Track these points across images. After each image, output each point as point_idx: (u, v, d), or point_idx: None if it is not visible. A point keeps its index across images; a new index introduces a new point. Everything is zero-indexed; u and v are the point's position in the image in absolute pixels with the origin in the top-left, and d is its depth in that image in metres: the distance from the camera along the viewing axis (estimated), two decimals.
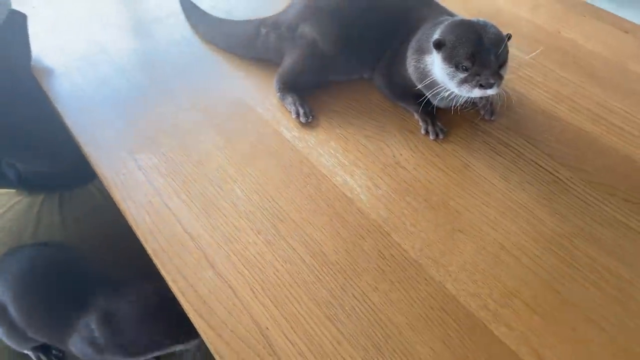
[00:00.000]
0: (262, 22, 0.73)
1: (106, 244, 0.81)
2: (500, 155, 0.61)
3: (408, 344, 0.46)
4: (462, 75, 0.55)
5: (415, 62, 0.61)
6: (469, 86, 0.55)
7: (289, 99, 0.67)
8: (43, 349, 0.73)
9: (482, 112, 0.65)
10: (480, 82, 0.54)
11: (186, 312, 0.50)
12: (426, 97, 0.61)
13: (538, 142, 0.62)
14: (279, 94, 0.69)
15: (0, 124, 0.81)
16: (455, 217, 0.55)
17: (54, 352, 0.73)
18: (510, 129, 0.64)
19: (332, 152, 0.62)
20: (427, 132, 0.63)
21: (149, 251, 0.55)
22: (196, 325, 0.49)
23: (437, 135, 0.63)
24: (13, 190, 0.95)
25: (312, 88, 0.69)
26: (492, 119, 0.64)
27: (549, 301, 0.49)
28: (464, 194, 0.57)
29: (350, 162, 0.61)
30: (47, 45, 0.80)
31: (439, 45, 0.56)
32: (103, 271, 0.73)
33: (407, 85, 0.64)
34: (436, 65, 0.57)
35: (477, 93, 0.55)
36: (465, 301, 0.49)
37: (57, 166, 0.92)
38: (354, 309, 0.49)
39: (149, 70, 0.75)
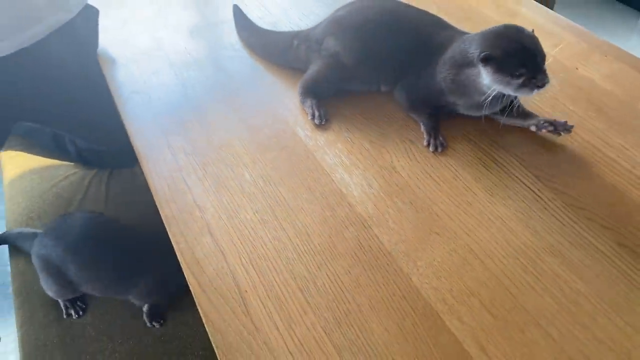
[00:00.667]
0: (295, 35, 0.81)
1: (138, 220, 0.91)
2: (488, 171, 0.65)
3: (365, 322, 0.51)
4: (519, 81, 0.60)
5: (454, 75, 0.66)
6: (527, 89, 0.61)
7: (308, 102, 0.75)
8: (72, 299, 0.83)
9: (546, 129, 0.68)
10: (537, 84, 0.60)
11: (182, 268, 0.58)
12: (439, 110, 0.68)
13: (528, 164, 0.65)
14: (300, 97, 0.76)
15: (67, 104, 0.94)
16: (435, 220, 0.60)
17: (78, 303, 0.83)
18: (504, 148, 0.68)
19: (337, 152, 0.69)
20: (428, 144, 0.69)
21: (162, 216, 0.63)
22: (188, 281, 0.56)
23: (436, 148, 0.68)
24: (72, 164, 1.07)
25: (330, 95, 0.76)
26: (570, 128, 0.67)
27: (504, 304, 0.52)
28: (448, 201, 0.62)
29: (351, 163, 0.67)
30: (114, 38, 0.92)
31: (487, 59, 0.61)
32: (148, 239, 0.83)
33: (429, 99, 0.70)
34: (486, 77, 0.62)
35: (534, 92, 0.61)
36: (425, 293, 0.53)
37: (111, 146, 1.04)
38: (324, 285, 0.54)
39: (194, 68, 0.85)
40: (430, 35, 0.72)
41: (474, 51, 0.63)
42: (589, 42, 0.84)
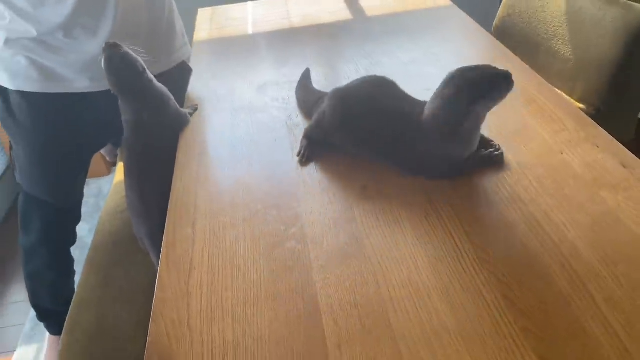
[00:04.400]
0: (323, 95, 1.00)
1: None
2: (428, 222, 0.74)
3: (264, 308, 0.65)
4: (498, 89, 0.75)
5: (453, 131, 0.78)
6: (505, 88, 0.75)
7: (303, 141, 0.92)
8: None
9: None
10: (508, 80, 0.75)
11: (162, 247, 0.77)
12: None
13: (464, 220, 0.73)
14: (302, 135, 0.93)
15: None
16: (360, 248, 0.71)
17: None
18: (450, 203, 0.77)
19: (306, 188, 0.84)
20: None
21: None
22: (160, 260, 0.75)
23: None
24: None
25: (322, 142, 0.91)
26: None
27: (377, 319, 0.62)
28: (380, 237, 0.73)
29: (323, 189, 0.82)
30: (197, 88, 1.20)
31: (474, 102, 0.74)
32: None
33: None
34: (481, 110, 0.76)
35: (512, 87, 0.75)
36: (320, 296, 0.65)
37: None
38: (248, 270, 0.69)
39: (249, 117, 1.08)
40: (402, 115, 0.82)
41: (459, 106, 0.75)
42: (587, 132, 0.89)
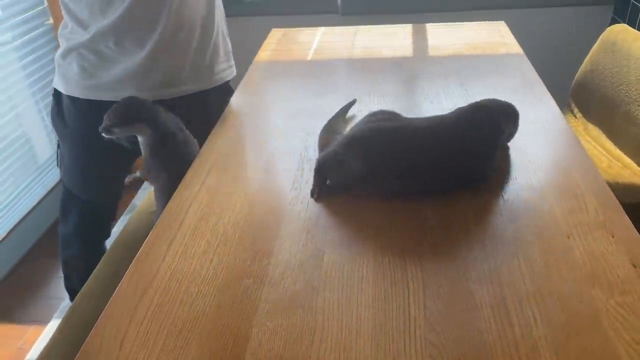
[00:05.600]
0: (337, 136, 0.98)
1: None
2: (392, 287, 0.70)
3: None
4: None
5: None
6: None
7: (316, 177, 0.90)
8: None
9: None
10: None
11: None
12: None
13: (430, 304, 0.68)
14: (316, 169, 0.91)
15: None
16: (312, 299, 0.69)
17: None
18: (422, 279, 0.72)
19: (290, 224, 0.83)
20: None
21: None
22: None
23: None
24: None
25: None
26: None
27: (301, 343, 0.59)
28: (336, 292, 0.70)
29: (303, 229, 0.80)
30: (236, 104, 1.23)
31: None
32: None
33: None
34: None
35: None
36: (251, 342, 0.63)
37: None
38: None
39: (269, 141, 1.09)
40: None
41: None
42: (607, 218, 0.79)
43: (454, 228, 0.80)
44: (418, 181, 0.85)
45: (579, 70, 1.68)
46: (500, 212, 0.82)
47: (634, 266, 0.70)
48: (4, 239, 1.91)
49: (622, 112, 1.48)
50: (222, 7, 1.24)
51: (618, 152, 1.46)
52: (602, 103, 1.57)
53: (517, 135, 1.00)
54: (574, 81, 1.71)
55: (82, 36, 1.09)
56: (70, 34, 1.10)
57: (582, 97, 1.66)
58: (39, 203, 2.08)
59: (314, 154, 1.01)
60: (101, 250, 1.38)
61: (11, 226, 1.94)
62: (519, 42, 1.51)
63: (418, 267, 0.73)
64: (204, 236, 0.82)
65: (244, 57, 1.56)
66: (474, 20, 1.72)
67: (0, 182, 1.89)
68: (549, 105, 1.14)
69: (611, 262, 0.71)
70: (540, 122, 1.07)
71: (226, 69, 1.26)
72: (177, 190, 0.94)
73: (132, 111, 0.97)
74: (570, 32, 2.24)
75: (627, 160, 1.44)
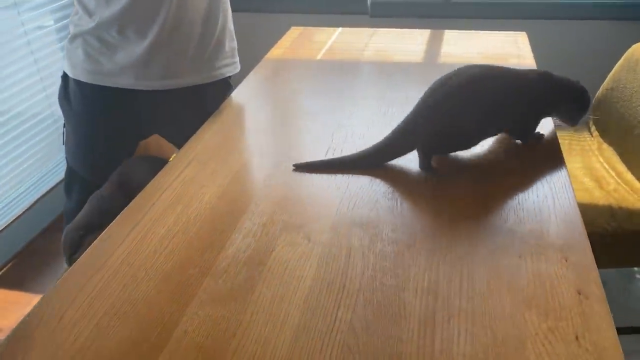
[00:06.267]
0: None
1: None
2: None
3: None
4: None
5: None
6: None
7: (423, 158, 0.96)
8: None
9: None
10: None
11: None
12: None
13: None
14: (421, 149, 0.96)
15: None
16: (247, 293, 0.71)
17: None
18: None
19: (242, 225, 0.84)
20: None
21: None
22: None
23: None
24: None
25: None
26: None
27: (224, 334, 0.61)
28: (273, 290, 0.71)
29: (252, 227, 0.82)
30: (235, 99, 1.26)
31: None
32: None
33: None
34: None
35: None
36: (177, 328, 0.66)
37: None
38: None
39: (250, 139, 1.11)
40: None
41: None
42: (564, 241, 0.77)
43: (404, 238, 0.79)
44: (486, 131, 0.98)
45: (601, 87, 1.62)
46: (457, 227, 0.81)
47: (579, 293, 0.68)
48: (26, 211, 2.02)
49: (636, 134, 1.42)
50: (228, 4, 1.26)
51: (629, 176, 1.40)
52: (618, 123, 1.51)
53: (498, 149, 0.98)
54: (594, 98, 1.64)
55: (88, 23, 1.14)
56: (78, 21, 1.16)
57: (600, 115, 1.60)
58: (61, 181, 2.18)
59: (296, 154, 1.03)
60: None
61: (34, 200, 2.05)
62: (544, 53, 1.48)
63: (359, 273, 0.73)
64: (166, 223, 0.85)
65: (265, 54, 1.58)
66: (503, 29, 1.68)
67: (29, 157, 2.01)
68: (545, 120, 1.11)
69: (556, 286, 0.69)
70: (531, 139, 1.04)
71: (229, 65, 1.29)
72: (155, 177, 0.98)
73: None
74: (601, 47, 2.15)
75: (638, 185, 1.38)
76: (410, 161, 0.98)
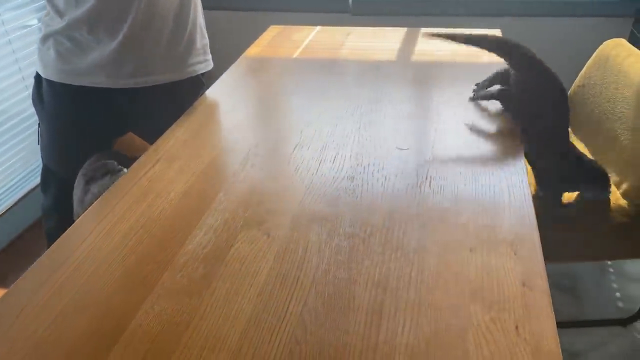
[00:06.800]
0: None
1: None
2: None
3: None
4: None
5: None
6: None
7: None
8: None
9: None
10: None
11: None
12: None
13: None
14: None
15: None
16: (204, 286, 0.72)
17: None
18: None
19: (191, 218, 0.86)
20: None
21: None
22: None
23: None
24: None
25: None
26: None
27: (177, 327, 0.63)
28: (226, 286, 0.73)
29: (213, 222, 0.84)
30: (208, 98, 1.28)
31: None
32: None
33: None
34: None
35: None
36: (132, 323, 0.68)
37: None
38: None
39: (217, 137, 1.13)
40: None
41: None
42: (515, 234, 0.79)
43: (360, 233, 0.81)
44: None
45: (573, 84, 1.65)
46: (413, 220, 0.83)
47: (523, 285, 0.70)
48: (8, 210, 2.03)
49: (605, 130, 1.44)
50: (198, 1, 1.28)
51: None
52: (589, 120, 1.53)
53: (460, 146, 1.01)
54: (568, 95, 1.67)
55: (59, 24, 1.15)
56: (49, 21, 1.17)
57: (573, 112, 1.62)
58: None
59: (263, 151, 1.05)
60: None
61: (17, 199, 2.07)
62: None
63: (314, 267, 0.75)
64: (129, 220, 0.87)
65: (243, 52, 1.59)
66: (480, 25, 1.71)
67: (11, 156, 2.02)
68: (508, 117, 1.13)
69: (502, 279, 0.72)
70: (493, 137, 1.06)
71: (201, 62, 1.30)
72: (124, 174, 0.99)
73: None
74: (574, 44, 2.17)
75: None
76: (376, 157, 1.00)
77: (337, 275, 0.73)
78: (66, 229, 1.40)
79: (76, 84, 1.20)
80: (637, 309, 1.50)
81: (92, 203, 0.93)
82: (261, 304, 0.69)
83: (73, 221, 1.41)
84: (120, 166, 1.07)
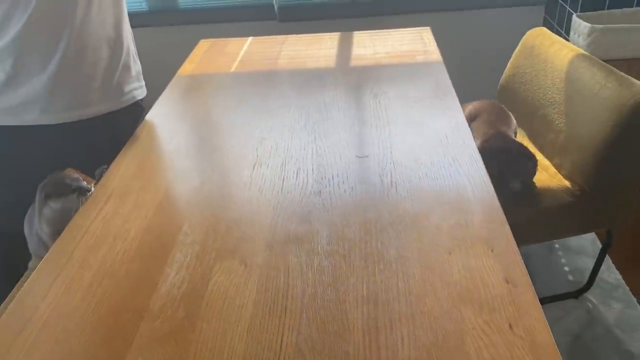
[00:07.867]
0: None
1: None
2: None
3: None
4: None
5: None
6: None
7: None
8: None
9: None
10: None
11: None
12: None
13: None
14: None
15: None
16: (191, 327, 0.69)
17: None
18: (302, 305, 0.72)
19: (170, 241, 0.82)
20: None
21: None
22: None
23: None
24: None
25: None
26: None
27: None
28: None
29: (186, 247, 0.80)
30: (150, 120, 1.22)
31: None
32: None
33: None
34: None
35: None
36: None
37: None
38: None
39: (166, 160, 1.08)
40: None
41: None
42: (490, 232, 0.81)
43: (339, 249, 0.80)
44: None
45: (503, 73, 1.72)
46: (387, 229, 0.83)
47: (507, 282, 0.72)
48: None
49: (539, 116, 1.52)
50: (129, 27, 1.22)
51: (540, 156, 1.50)
52: (523, 107, 1.61)
53: (415, 147, 1.02)
54: (498, 85, 1.74)
55: None
56: None
57: (506, 101, 1.69)
58: None
59: (220, 173, 1.01)
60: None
61: None
62: (450, 45, 1.55)
63: (300, 292, 0.73)
64: (91, 268, 0.81)
65: (176, 69, 1.53)
66: (409, 24, 1.75)
67: None
68: (456, 116, 1.16)
69: (486, 278, 0.73)
70: (443, 133, 1.08)
71: (137, 88, 1.24)
72: (72, 220, 0.92)
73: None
74: (501, 35, 2.28)
75: (546, 163, 1.48)
76: (339, 168, 0.99)
77: (325, 298, 0.72)
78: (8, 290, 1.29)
79: (3, 124, 1.10)
80: (586, 279, 1.59)
81: (53, 218, 0.86)
82: (253, 340, 0.67)
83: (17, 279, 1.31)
84: (89, 185, 0.99)
